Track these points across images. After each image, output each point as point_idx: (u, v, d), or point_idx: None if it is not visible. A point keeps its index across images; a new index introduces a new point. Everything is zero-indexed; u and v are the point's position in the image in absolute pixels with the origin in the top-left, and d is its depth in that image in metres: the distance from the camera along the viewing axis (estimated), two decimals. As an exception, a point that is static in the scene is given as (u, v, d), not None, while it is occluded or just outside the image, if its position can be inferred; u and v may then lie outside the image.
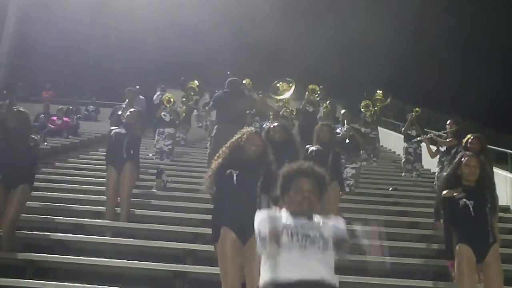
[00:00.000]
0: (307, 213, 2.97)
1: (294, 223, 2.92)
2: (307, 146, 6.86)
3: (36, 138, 6.37)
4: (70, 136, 13.96)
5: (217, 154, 4.73)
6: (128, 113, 7.75)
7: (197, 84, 10.93)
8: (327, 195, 6.47)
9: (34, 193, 7.48)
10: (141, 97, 16.30)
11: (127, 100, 10.30)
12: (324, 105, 14.03)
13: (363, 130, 12.19)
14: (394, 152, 15.96)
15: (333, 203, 6.61)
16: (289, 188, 3.01)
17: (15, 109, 6.16)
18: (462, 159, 4.81)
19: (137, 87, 16.64)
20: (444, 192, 4.84)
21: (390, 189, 10.49)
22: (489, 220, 4.59)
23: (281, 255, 2.86)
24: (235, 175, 4.47)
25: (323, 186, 3.04)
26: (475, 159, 4.79)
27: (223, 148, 4.72)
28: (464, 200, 4.63)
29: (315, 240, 2.88)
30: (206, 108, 15.98)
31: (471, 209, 4.60)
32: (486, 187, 4.76)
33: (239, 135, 4.69)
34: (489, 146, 11.59)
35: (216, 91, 8.60)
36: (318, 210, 3.02)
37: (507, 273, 6.08)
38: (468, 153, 5.00)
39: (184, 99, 13.95)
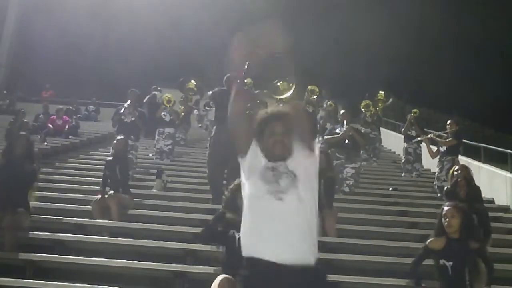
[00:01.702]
0: (281, 156, 2.89)
1: (264, 164, 2.87)
2: None
3: (35, 165, 6.48)
4: (70, 136, 13.95)
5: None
6: (115, 141, 7.97)
7: (195, 84, 10.93)
8: (328, 220, 6.55)
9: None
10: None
11: (129, 101, 10.29)
12: (329, 102, 14.04)
13: (363, 130, 12.20)
14: (394, 152, 15.96)
15: (333, 225, 6.68)
16: (263, 133, 2.95)
17: (22, 135, 6.47)
18: (444, 208, 4.87)
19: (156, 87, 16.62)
20: (428, 241, 4.90)
21: (390, 189, 10.49)
22: (467, 280, 4.62)
23: (248, 211, 2.82)
24: (237, 237, 4.37)
25: (292, 127, 2.95)
26: (452, 210, 4.80)
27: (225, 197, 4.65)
28: (444, 261, 4.69)
29: (285, 185, 2.79)
30: (207, 108, 16.00)
31: (449, 270, 4.66)
32: (469, 236, 4.76)
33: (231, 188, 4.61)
34: (489, 146, 11.69)
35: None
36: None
37: (507, 273, 6.11)
38: (447, 204, 5.02)
39: (182, 99, 13.94)
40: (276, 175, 2.81)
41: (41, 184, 8.44)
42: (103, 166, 7.87)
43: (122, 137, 8.18)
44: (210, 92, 8.45)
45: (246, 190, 2.90)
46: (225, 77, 8.16)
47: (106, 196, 7.21)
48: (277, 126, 2.92)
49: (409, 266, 5.07)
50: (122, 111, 10.23)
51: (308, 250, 2.74)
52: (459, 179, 6.34)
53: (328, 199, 6.86)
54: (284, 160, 2.88)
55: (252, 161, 2.92)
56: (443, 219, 4.81)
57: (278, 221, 2.71)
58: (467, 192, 6.17)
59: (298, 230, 2.72)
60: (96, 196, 7.30)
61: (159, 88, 16.03)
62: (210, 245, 4.67)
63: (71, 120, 14.73)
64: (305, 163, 2.88)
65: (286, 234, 2.69)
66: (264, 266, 2.66)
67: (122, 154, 7.72)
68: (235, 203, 4.46)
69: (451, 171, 7.34)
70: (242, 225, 2.85)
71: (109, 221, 6.95)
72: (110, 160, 7.68)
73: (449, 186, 7.14)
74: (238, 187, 3.68)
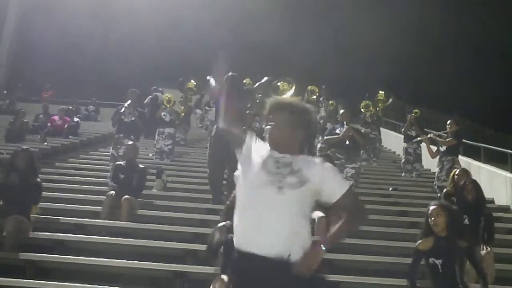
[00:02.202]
0: (283, 148, 2.81)
1: (268, 154, 2.78)
2: None
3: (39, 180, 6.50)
4: (70, 136, 13.95)
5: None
6: (125, 148, 7.97)
7: (194, 83, 10.91)
8: (333, 219, 6.53)
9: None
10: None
11: (129, 101, 10.27)
12: (331, 102, 14.04)
13: (363, 130, 12.21)
14: (394, 152, 15.96)
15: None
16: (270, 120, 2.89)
17: (21, 149, 6.49)
18: (429, 208, 4.91)
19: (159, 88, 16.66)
20: (418, 242, 4.93)
21: (390, 189, 10.49)
22: (458, 276, 4.66)
23: (242, 196, 2.75)
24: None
25: (304, 121, 2.87)
26: (437, 208, 4.84)
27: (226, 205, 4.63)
28: (433, 259, 4.73)
29: (290, 181, 2.67)
30: (207, 108, 16.01)
31: (439, 267, 4.70)
32: (456, 234, 4.80)
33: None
34: (489, 146, 11.69)
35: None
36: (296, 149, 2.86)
37: (507, 273, 6.11)
38: (433, 202, 5.07)
39: (182, 99, 13.92)
40: (282, 168, 2.72)
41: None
42: (109, 167, 7.86)
43: (131, 142, 8.18)
44: (211, 87, 8.42)
45: (242, 180, 2.80)
46: (225, 76, 8.13)
47: (120, 198, 7.18)
48: (281, 117, 2.84)
49: (407, 269, 5.08)
50: (122, 110, 10.21)
51: (298, 245, 2.65)
52: (466, 183, 6.32)
53: None
54: (290, 153, 2.80)
55: (249, 151, 2.85)
56: (429, 219, 4.85)
57: (274, 213, 2.62)
58: (475, 196, 6.15)
59: (291, 224, 2.64)
60: (109, 192, 7.25)
61: (160, 89, 16.08)
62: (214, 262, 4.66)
63: (72, 120, 14.72)
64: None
65: (278, 227, 2.61)
66: (252, 260, 2.60)
67: (142, 169, 7.71)
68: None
69: (451, 174, 7.36)
70: (235, 216, 2.76)
71: (109, 221, 6.94)
72: (122, 165, 7.63)
73: (448, 188, 7.16)
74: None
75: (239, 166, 2.91)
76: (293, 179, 2.68)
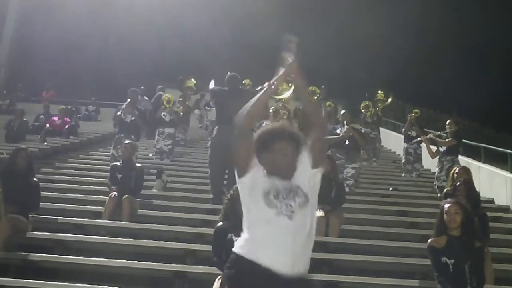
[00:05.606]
0: (284, 174, 2.87)
1: (272, 184, 2.83)
2: None
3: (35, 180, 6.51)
4: (70, 136, 13.94)
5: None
6: (123, 147, 7.95)
7: (195, 82, 10.87)
8: (332, 220, 6.58)
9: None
10: (145, 97, 16.34)
11: (129, 100, 10.26)
12: (328, 103, 14.05)
13: (363, 130, 12.22)
14: (394, 152, 15.96)
15: (336, 226, 6.72)
16: (264, 150, 2.87)
17: (20, 149, 6.54)
18: (444, 206, 4.84)
19: (142, 87, 16.69)
20: (429, 240, 4.88)
21: (390, 189, 10.49)
22: (467, 277, 4.62)
23: (257, 223, 2.80)
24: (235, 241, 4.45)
25: (299, 146, 2.94)
26: (454, 206, 4.79)
27: (224, 205, 4.69)
28: (445, 258, 4.68)
29: (297, 206, 2.80)
30: (207, 108, 16.02)
31: (450, 267, 4.65)
32: (471, 234, 4.76)
33: (233, 189, 4.62)
34: (489, 146, 11.69)
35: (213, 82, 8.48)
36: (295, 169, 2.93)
37: (506, 273, 6.11)
38: (448, 200, 5.02)
39: (181, 99, 13.92)
40: (286, 196, 2.81)
41: (41, 184, 8.43)
42: (109, 167, 7.87)
43: (128, 141, 8.16)
44: (210, 88, 8.42)
45: (252, 214, 2.86)
46: (226, 76, 8.13)
47: (120, 198, 7.15)
48: (282, 144, 2.87)
49: (432, 271, 4.96)
50: (121, 110, 10.19)
51: (307, 263, 2.85)
52: (458, 184, 6.30)
53: (338, 203, 7.00)
54: (289, 179, 2.88)
55: (254, 184, 2.87)
56: (445, 216, 4.77)
57: (289, 237, 2.76)
58: (465, 197, 6.11)
59: (304, 244, 2.81)
60: (111, 193, 7.22)
61: (160, 86, 16.13)
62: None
63: (71, 120, 14.72)
64: (312, 182, 2.93)
65: (296, 248, 2.77)
66: (265, 274, 2.72)
67: (139, 168, 7.70)
68: (235, 211, 4.46)
69: (451, 172, 7.36)
70: (248, 236, 2.85)
71: (109, 221, 6.95)
72: (119, 165, 7.62)
73: (448, 188, 7.15)
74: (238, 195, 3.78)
75: (242, 196, 2.93)
76: (299, 201, 2.82)
